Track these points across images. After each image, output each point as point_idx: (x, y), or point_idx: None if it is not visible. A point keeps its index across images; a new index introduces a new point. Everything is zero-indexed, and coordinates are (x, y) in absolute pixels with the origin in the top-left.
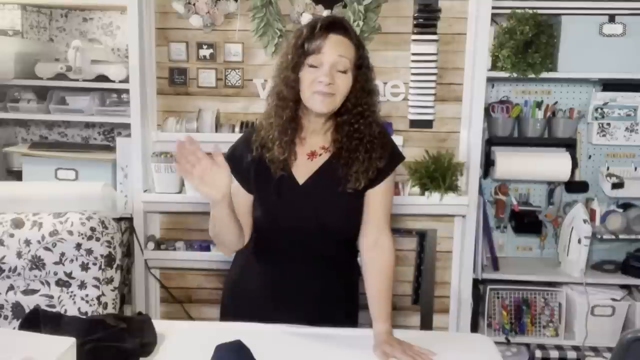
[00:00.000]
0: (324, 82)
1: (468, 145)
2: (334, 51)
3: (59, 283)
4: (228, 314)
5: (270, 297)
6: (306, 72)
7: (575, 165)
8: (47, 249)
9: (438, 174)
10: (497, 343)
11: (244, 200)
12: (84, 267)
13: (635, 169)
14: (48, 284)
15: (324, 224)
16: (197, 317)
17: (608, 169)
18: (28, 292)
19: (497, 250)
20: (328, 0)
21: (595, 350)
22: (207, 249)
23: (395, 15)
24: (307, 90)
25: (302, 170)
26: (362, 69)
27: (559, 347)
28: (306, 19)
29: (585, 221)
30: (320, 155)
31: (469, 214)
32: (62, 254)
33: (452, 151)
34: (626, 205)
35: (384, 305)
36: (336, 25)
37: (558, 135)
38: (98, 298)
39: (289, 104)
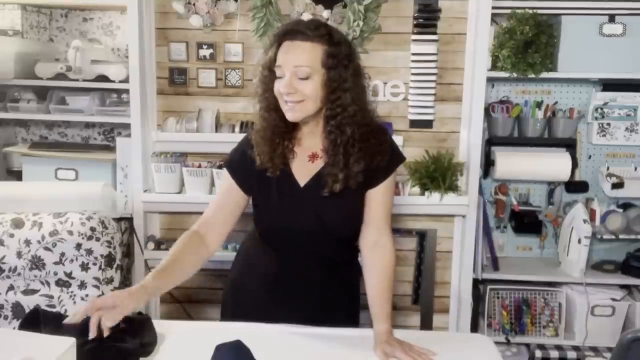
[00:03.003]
0: (283, 92)
1: (468, 145)
2: (289, 62)
3: (59, 283)
4: (228, 313)
5: (271, 297)
6: (275, 82)
7: (575, 165)
8: (47, 249)
9: (438, 174)
10: (497, 343)
11: (235, 199)
12: (84, 267)
13: (635, 169)
14: (48, 284)
15: (325, 225)
16: (197, 317)
17: (608, 169)
18: (28, 292)
19: (497, 250)
20: (328, 0)
21: (595, 350)
22: None
23: (395, 15)
24: (279, 100)
25: (303, 171)
26: (334, 69)
27: (559, 347)
28: (306, 19)
29: (585, 221)
30: (320, 157)
31: (469, 214)
32: (62, 254)
33: (452, 151)
34: (626, 205)
35: (384, 305)
36: (291, 32)
37: (558, 135)
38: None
39: (264, 115)
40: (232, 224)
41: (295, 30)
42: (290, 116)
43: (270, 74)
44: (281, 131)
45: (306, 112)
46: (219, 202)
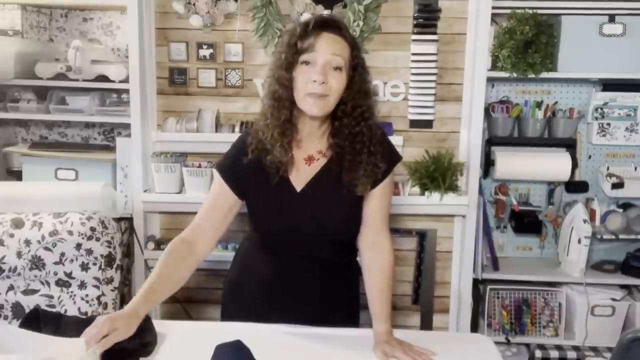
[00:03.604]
0: (318, 81)
1: (468, 145)
2: (327, 49)
3: (59, 283)
4: (228, 314)
5: (270, 298)
6: (300, 70)
7: (575, 165)
8: (47, 249)
9: (438, 174)
10: (497, 343)
11: (228, 201)
12: (84, 267)
13: (635, 169)
14: (48, 284)
15: (325, 229)
16: (197, 317)
17: (608, 169)
18: (28, 292)
19: (497, 250)
20: (328, 0)
21: (595, 350)
22: None
23: (395, 15)
24: (301, 91)
25: (300, 176)
26: (358, 70)
27: (559, 347)
28: (306, 18)
29: (585, 221)
30: (317, 160)
31: (469, 214)
32: (62, 254)
33: (452, 151)
34: (626, 205)
35: (384, 305)
36: (330, 24)
37: (558, 135)
38: (98, 298)
39: (285, 104)
40: (224, 228)
41: (334, 23)
42: (315, 110)
43: (293, 60)
44: (290, 129)
45: (327, 108)
46: (211, 206)
